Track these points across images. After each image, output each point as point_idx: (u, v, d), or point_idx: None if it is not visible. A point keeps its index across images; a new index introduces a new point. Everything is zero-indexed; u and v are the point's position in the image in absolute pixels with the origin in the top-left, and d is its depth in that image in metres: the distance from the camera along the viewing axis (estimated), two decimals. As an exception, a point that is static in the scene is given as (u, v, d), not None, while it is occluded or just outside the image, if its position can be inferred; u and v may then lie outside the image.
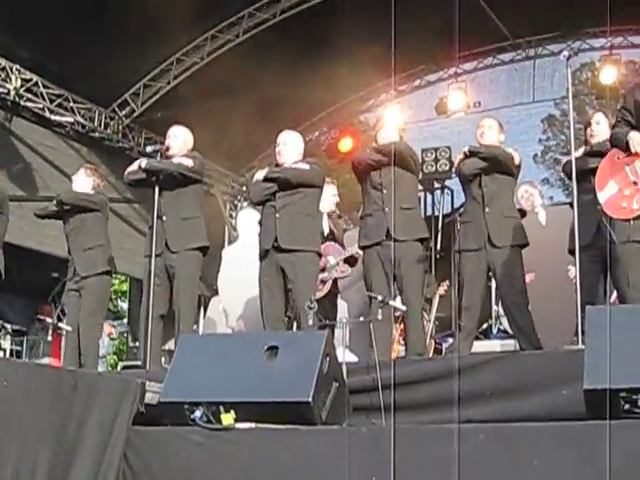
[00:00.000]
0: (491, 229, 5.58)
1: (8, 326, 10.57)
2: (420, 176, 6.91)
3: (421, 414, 4.54)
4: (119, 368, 10.17)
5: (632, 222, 4.73)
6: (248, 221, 7.55)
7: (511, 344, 6.85)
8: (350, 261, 6.72)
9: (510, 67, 12.36)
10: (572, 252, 5.28)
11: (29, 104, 10.31)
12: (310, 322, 5.11)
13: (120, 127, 11.46)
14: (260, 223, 6.02)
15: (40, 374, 3.97)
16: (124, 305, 17.63)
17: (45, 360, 10.02)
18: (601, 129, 5.60)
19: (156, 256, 5.89)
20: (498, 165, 5.69)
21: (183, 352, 4.38)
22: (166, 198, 6.04)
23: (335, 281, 6.77)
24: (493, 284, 7.09)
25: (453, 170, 7.19)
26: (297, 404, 3.87)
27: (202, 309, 8.77)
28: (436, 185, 12.09)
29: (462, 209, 6.28)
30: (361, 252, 6.16)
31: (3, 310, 11.41)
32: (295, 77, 10.06)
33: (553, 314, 6.34)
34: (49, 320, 7.40)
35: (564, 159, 6.04)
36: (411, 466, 3.52)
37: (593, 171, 4.94)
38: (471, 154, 5.78)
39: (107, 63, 9.73)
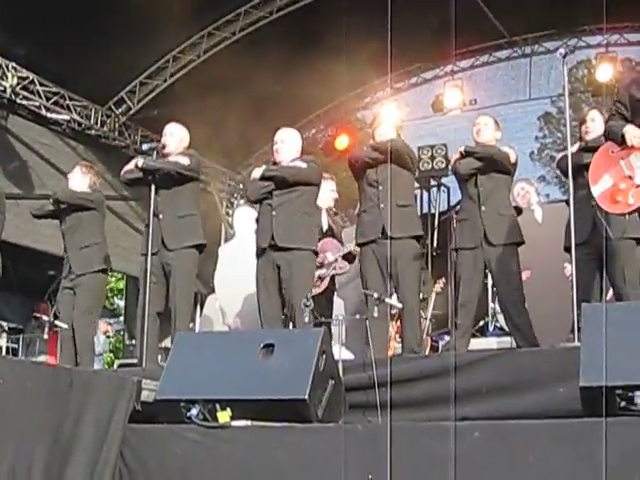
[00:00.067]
0: (487, 227, 5.60)
1: (4, 324, 10.58)
2: (416, 174, 6.89)
3: (417, 411, 4.53)
4: (115, 366, 10.18)
5: (627, 216, 4.72)
6: (244, 219, 7.53)
7: (507, 341, 6.87)
8: (348, 258, 6.71)
9: (506, 65, 12.38)
10: (568, 249, 5.27)
11: (25, 102, 10.31)
12: (306, 320, 5.10)
13: (116, 125, 11.46)
14: (257, 221, 6.02)
15: (36, 372, 3.96)
16: (120, 303, 17.62)
17: (41, 358, 10.01)
18: (596, 126, 5.59)
19: (152, 254, 5.88)
20: (494, 164, 5.70)
21: (179, 350, 4.38)
22: (163, 196, 6.02)
23: (333, 278, 6.77)
24: (489, 281, 7.10)
25: (449, 168, 7.18)
26: (293, 402, 3.86)
27: (198, 307, 8.75)
28: (432, 183, 12.13)
29: (458, 207, 6.29)
30: (359, 249, 6.16)
31: (-1, 308, 11.42)
32: (292, 75, 10.06)
33: (549, 311, 6.35)
34: (45, 318, 7.41)
35: (558, 155, 6.03)
36: (407, 463, 3.51)
37: (587, 167, 4.93)
38: (467, 154, 5.78)
39: (103, 61, 9.70)
